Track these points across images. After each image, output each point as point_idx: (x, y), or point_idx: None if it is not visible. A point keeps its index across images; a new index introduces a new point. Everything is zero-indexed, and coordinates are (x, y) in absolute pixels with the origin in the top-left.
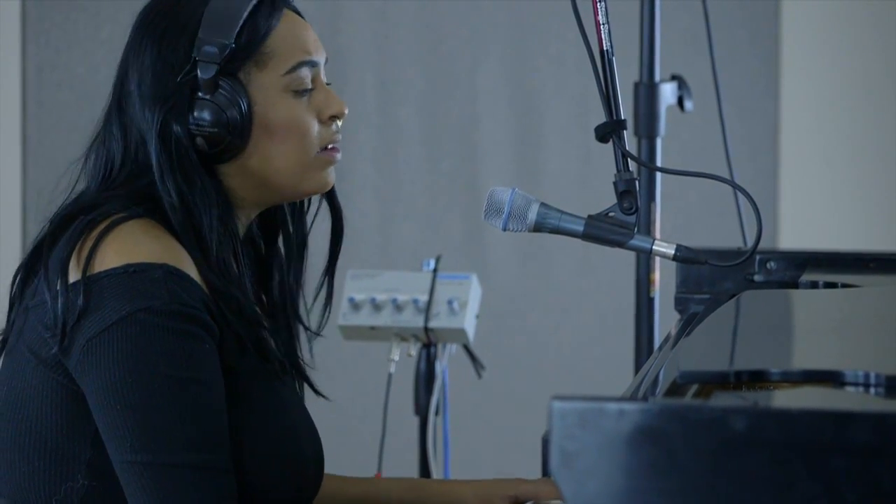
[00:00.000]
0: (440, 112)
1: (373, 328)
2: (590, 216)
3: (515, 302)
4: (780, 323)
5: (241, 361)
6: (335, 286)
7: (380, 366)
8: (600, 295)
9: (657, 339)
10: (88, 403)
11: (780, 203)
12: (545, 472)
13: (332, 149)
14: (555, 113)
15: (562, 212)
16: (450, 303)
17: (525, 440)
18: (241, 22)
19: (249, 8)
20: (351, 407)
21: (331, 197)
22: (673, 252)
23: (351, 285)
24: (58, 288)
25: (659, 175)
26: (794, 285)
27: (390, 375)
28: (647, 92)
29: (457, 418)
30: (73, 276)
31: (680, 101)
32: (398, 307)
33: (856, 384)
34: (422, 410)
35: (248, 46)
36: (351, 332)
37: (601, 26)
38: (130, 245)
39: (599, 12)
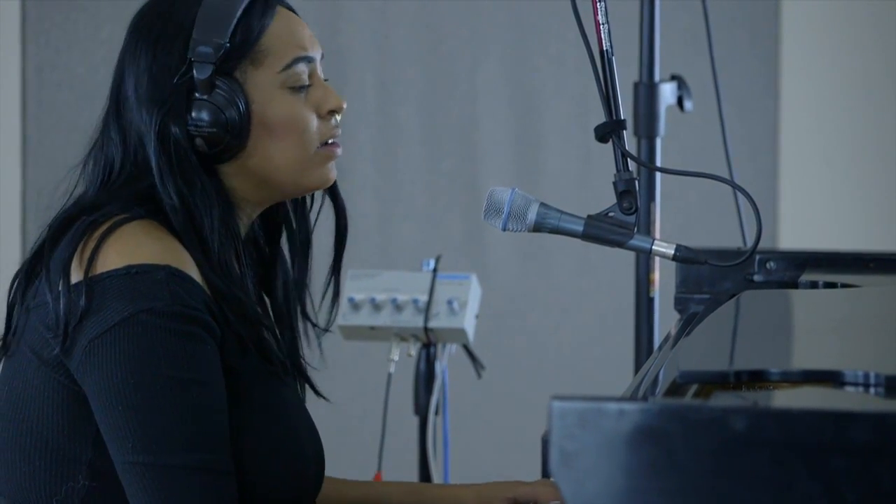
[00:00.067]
0: (440, 112)
1: (372, 328)
2: (589, 216)
3: (515, 302)
4: (780, 323)
5: (242, 362)
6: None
7: (379, 366)
8: (600, 295)
9: (657, 339)
10: (90, 404)
11: (779, 203)
12: (545, 471)
13: (333, 144)
14: (555, 113)
15: (561, 212)
16: (449, 303)
17: (525, 440)
18: (234, 21)
19: (243, 7)
20: (351, 407)
21: (333, 193)
22: (672, 252)
23: (351, 285)
24: (59, 288)
25: (659, 175)
26: (794, 285)
27: (390, 375)
28: (646, 92)
29: (456, 418)
30: (76, 276)
31: (679, 101)
32: (398, 307)
33: (855, 384)
34: (421, 410)
35: (243, 45)
36: (351, 332)
37: (601, 26)
38: (132, 246)
39: (599, 12)
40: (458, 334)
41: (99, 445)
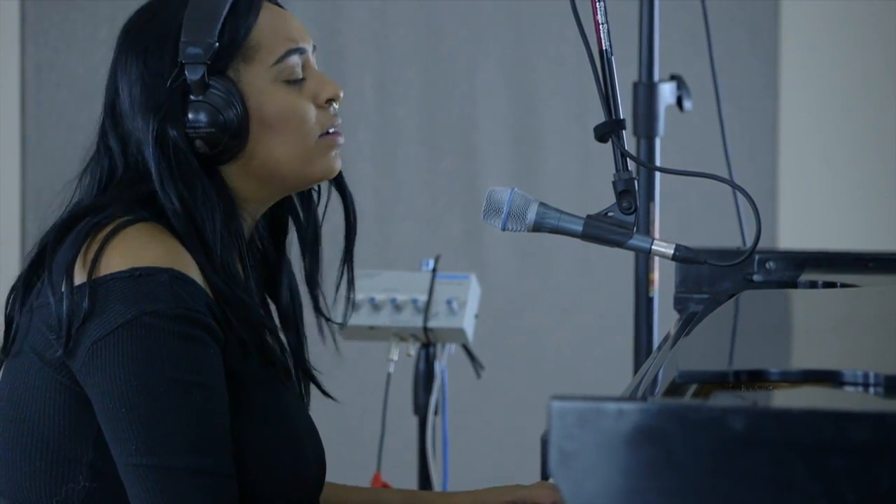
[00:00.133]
0: (439, 112)
1: (372, 328)
2: (589, 216)
3: (515, 302)
4: (779, 323)
5: (244, 365)
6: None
7: (379, 366)
8: (600, 295)
9: (656, 339)
10: (92, 405)
11: (779, 203)
12: (544, 472)
13: (334, 133)
14: (554, 113)
15: (561, 211)
16: (449, 303)
17: (524, 440)
18: (221, 20)
19: (228, 5)
20: (350, 407)
21: (340, 184)
22: (672, 252)
23: None
24: (62, 290)
25: (658, 175)
26: (793, 285)
27: (389, 375)
28: (646, 92)
29: (456, 418)
30: (79, 278)
31: (679, 101)
32: (397, 307)
33: (855, 384)
34: (421, 410)
35: (233, 42)
36: (350, 332)
37: (600, 26)
38: (136, 249)
39: (599, 12)
40: (458, 334)
41: (100, 446)
